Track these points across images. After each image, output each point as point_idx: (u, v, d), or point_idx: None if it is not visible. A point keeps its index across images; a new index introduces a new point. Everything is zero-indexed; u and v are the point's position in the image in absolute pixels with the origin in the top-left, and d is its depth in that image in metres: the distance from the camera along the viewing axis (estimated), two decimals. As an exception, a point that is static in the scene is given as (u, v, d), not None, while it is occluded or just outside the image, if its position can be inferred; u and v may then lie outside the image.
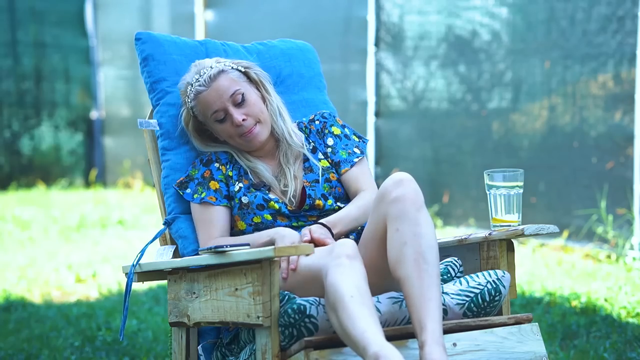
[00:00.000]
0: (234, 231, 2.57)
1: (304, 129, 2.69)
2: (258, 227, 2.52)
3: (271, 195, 2.54)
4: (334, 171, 2.62)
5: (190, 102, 2.60)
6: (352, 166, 2.62)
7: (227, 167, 2.60)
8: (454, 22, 6.01)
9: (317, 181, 2.57)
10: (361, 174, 2.62)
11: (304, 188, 2.56)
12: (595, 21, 5.26)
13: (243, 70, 2.62)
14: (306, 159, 2.63)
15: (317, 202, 2.53)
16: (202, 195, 2.56)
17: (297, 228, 2.53)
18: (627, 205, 5.11)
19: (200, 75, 2.58)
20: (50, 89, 8.99)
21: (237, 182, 2.57)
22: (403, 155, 6.35)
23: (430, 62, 6.17)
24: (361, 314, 2.06)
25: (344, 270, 2.13)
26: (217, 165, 2.60)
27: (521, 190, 2.52)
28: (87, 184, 9.08)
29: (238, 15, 7.67)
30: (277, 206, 2.51)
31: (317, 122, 2.69)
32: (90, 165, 9.17)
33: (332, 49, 6.67)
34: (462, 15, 5.97)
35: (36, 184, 8.80)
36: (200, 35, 7.78)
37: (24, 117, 8.85)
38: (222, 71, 2.58)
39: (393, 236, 2.22)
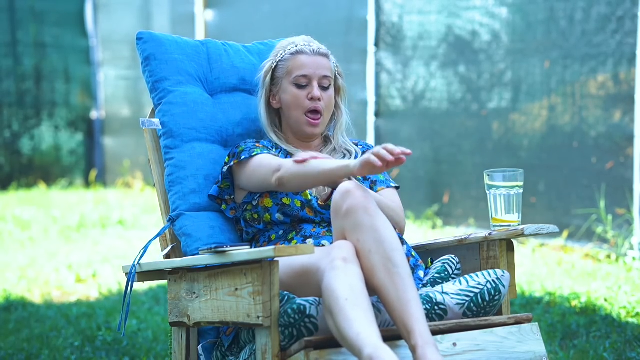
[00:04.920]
0: (259, 208, 2.55)
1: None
2: (283, 209, 2.52)
3: None
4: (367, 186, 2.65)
5: (284, 54, 2.65)
6: (387, 187, 2.67)
7: (270, 150, 2.62)
8: (454, 22, 6.02)
9: None
10: (394, 196, 2.64)
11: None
12: (594, 21, 5.26)
13: (337, 71, 2.71)
14: None
15: None
16: (265, 151, 2.55)
17: (320, 224, 2.54)
18: (627, 205, 5.11)
19: (308, 43, 2.66)
20: (50, 89, 8.99)
21: None
22: (403, 155, 6.34)
23: (430, 62, 6.17)
24: (356, 316, 2.06)
25: (339, 274, 2.13)
26: (264, 143, 2.64)
27: (521, 190, 2.52)
28: (87, 184, 9.08)
29: (238, 15, 7.68)
30: (309, 196, 2.52)
31: (359, 147, 2.75)
32: (90, 165, 9.17)
33: (333, 49, 6.65)
34: (462, 15, 5.98)
35: (36, 184, 8.80)
36: (200, 35, 7.79)
37: (24, 117, 8.85)
38: (328, 55, 2.69)
39: (356, 248, 2.22)
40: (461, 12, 5.98)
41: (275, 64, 2.66)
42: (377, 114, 6.48)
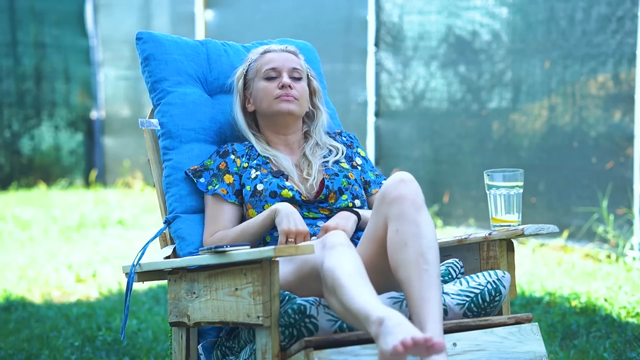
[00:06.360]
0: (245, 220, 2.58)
1: (333, 136, 2.80)
2: None
3: (287, 183, 2.56)
4: (358, 180, 2.67)
5: (253, 58, 2.71)
6: (380, 187, 2.72)
7: (242, 159, 2.62)
8: (454, 22, 6.02)
9: (337, 175, 2.60)
10: None
11: (323, 180, 2.59)
12: (594, 21, 5.26)
13: (310, 73, 2.76)
14: (326, 160, 2.68)
15: (332, 194, 2.56)
16: (216, 187, 2.58)
17: (309, 218, 2.54)
18: (627, 205, 5.11)
19: (278, 45, 2.74)
20: (51, 89, 8.99)
21: (254, 170, 2.59)
22: (403, 155, 6.35)
23: (430, 62, 6.17)
24: (361, 290, 2.07)
25: (340, 255, 2.14)
26: (232, 157, 2.64)
27: (521, 190, 2.52)
28: (87, 184, 9.08)
29: (238, 15, 7.68)
30: (290, 194, 2.52)
31: (344, 138, 2.79)
32: (90, 166, 9.17)
33: (333, 49, 6.67)
34: (462, 15, 5.98)
35: (36, 184, 8.80)
36: (200, 35, 7.79)
37: (24, 117, 8.85)
38: (297, 53, 2.73)
39: (393, 237, 2.22)
40: (461, 12, 5.98)
41: (246, 68, 2.72)
42: (377, 114, 6.48)
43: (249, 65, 2.71)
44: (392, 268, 2.21)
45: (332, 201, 2.57)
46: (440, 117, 6.17)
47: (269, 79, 2.66)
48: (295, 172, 2.61)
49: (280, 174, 2.59)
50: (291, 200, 2.53)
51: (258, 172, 2.59)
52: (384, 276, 2.31)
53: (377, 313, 2.01)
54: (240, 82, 2.72)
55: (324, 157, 2.69)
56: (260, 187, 2.55)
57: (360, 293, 2.06)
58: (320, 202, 2.56)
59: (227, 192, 2.58)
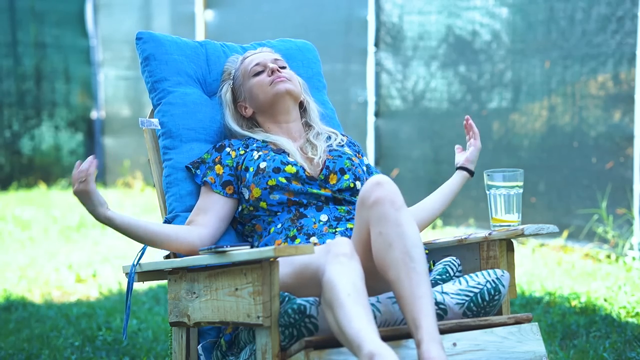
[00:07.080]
0: (251, 202, 2.57)
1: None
2: (273, 190, 2.54)
3: (290, 159, 2.57)
4: (361, 165, 2.70)
5: (235, 67, 2.78)
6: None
7: (239, 150, 2.64)
8: (454, 22, 6.02)
9: (340, 156, 2.62)
10: None
11: (325, 160, 2.62)
12: (594, 21, 5.26)
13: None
14: (329, 144, 2.72)
15: (332, 175, 2.57)
16: (207, 177, 2.60)
17: (311, 195, 2.55)
18: (627, 205, 5.11)
19: (253, 49, 2.85)
20: (51, 89, 8.99)
21: (256, 152, 2.61)
22: (403, 155, 6.35)
23: (430, 62, 6.17)
24: (357, 313, 2.06)
25: (342, 269, 2.14)
26: (228, 150, 2.65)
27: (521, 190, 2.52)
28: (87, 184, 9.06)
29: (238, 15, 7.68)
30: (294, 169, 2.53)
31: (347, 137, 2.82)
32: (90, 165, 9.15)
33: (333, 49, 6.67)
34: (462, 16, 5.98)
35: (36, 184, 8.80)
36: (200, 35, 7.79)
37: (24, 117, 8.85)
38: (273, 52, 2.81)
39: (377, 239, 2.22)
40: (461, 12, 5.98)
41: (232, 81, 2.77)
42: (377, 114, 6.48)
43: (233, 76, 2.76)
44: (380, 270, 2.21)
45: (333, 182, 2.58)
46: (440, 117, 6.18)
47: (257, 74, 2.71)
48: (297, 152, 2.63)
49: (282, 152, 2.61)
50: (294, 176, 2.54)
51: (260, 153, 2.61)
52: (375, 278, 2.31)
53: (370, 347, 2.00)
54: (228, 94, 2.75)
55: (326, 141, 2.71)
56: (263, 164, 2.56)
57: (356, 316, 2.06)
58: (322, 181, 2.57)
59: (215, 182, 2.60)
